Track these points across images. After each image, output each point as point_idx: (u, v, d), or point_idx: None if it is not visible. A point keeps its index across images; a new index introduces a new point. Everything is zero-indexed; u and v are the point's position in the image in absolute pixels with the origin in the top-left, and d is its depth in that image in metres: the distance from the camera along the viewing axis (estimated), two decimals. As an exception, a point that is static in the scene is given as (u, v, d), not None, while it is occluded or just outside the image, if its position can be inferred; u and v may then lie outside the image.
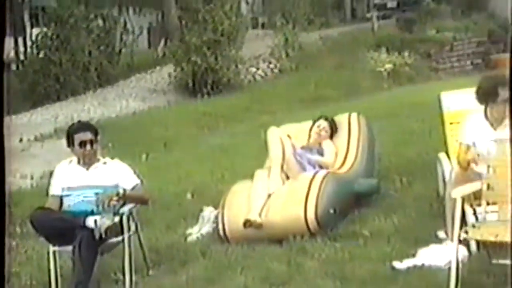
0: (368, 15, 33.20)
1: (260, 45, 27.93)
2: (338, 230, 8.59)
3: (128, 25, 30.78)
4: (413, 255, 7.35)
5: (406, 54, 25.88)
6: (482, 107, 7.68)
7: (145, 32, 33.52)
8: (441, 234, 7.65)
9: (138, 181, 8.01)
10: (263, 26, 33.67)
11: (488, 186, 6.73)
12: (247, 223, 8.68)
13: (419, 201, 9.03)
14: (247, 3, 34.97)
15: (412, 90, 19.08)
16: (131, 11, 33.53)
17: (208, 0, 25.80)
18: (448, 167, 8.17)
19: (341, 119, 10.17)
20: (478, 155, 7.21)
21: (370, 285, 6.92)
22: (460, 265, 6.50)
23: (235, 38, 25.65)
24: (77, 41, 26.30)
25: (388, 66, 24.88)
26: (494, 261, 6.69)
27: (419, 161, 10.48)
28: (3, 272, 2.79)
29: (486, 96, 7.67)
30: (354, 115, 10.19)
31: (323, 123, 9.99)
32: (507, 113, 7.61)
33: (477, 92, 7.76)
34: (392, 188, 9.94)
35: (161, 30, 32.28)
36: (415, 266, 7.15)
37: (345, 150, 9.84)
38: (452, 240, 6.53)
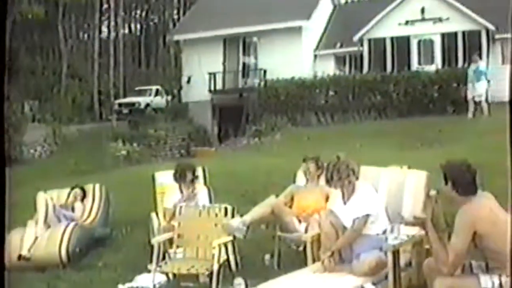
0: (110, 117, 33.04)
1: (37, 134, 27.19)
2: (82, 263, 8.51)
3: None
4: (131, 280, 7.31)
5: (135, 144, 25.90)
6: (179, 184, 7.89)
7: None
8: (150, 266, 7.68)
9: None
10: (39, 121, 32.79)
11: (179, 235, 6.91)
12: (20, 257, 8.43)
13: (136, 244, 8.98)
14: (28, 104, 34.27)
15: (138, 170, 18.95)
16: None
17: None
18: (156, 222, 8.25)
19: (90, 187, 10.04)
20: (174, 214, 7.37)
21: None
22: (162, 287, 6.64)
23: (20, 129, 25.20)
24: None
25: (123, 152, 24.79)
26: (182, 284, 6.87)
27: (139, 216, 10.41)
28: (3, 269, 2.53)
29: (179, 177, 7.89)
30: (97, 185, 10.09)
31: (77, 190, 9.86)
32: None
33: (174, 175, 7.97)
34: (120, 234, 9.90)
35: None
36: (133, 287, 7.12)
37: (90, 208, 9.74)
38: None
